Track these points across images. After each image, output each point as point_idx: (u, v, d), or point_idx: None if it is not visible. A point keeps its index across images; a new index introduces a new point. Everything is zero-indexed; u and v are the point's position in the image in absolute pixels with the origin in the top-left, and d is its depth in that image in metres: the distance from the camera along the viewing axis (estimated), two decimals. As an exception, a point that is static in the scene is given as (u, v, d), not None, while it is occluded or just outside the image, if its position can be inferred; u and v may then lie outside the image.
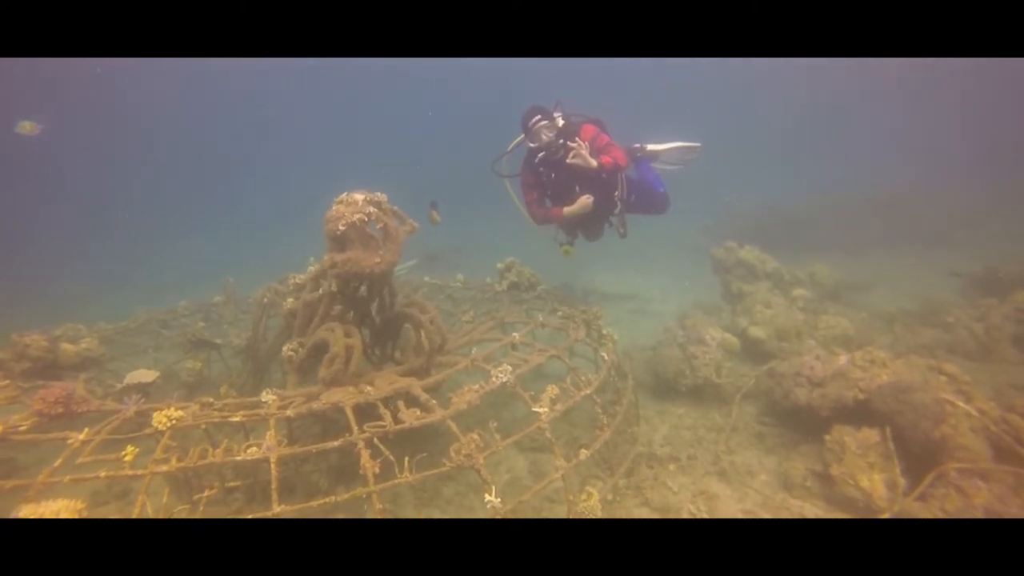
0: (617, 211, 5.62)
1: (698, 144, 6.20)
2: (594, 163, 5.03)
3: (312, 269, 4.49)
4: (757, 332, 6.32)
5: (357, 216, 3.62)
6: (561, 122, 5.25)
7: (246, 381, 5.65)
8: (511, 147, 5.57)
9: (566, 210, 5.32)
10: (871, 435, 3.67)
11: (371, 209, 3.71)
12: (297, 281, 4.49)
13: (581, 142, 5.03)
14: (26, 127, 8.30)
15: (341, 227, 3.61)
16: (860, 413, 4.06)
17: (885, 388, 3.83)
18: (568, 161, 5.02)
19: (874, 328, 6.45)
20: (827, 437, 3.96)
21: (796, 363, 4.88)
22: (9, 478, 3.15)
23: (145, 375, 4.26)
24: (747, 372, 6.11)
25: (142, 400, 3.49)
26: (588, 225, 5.78)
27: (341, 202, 3.69)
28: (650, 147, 6.19)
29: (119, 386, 4.20)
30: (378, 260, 3.76)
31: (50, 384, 3.58)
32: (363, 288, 4.27)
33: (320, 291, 4.25)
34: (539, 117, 5.17)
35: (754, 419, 5.30)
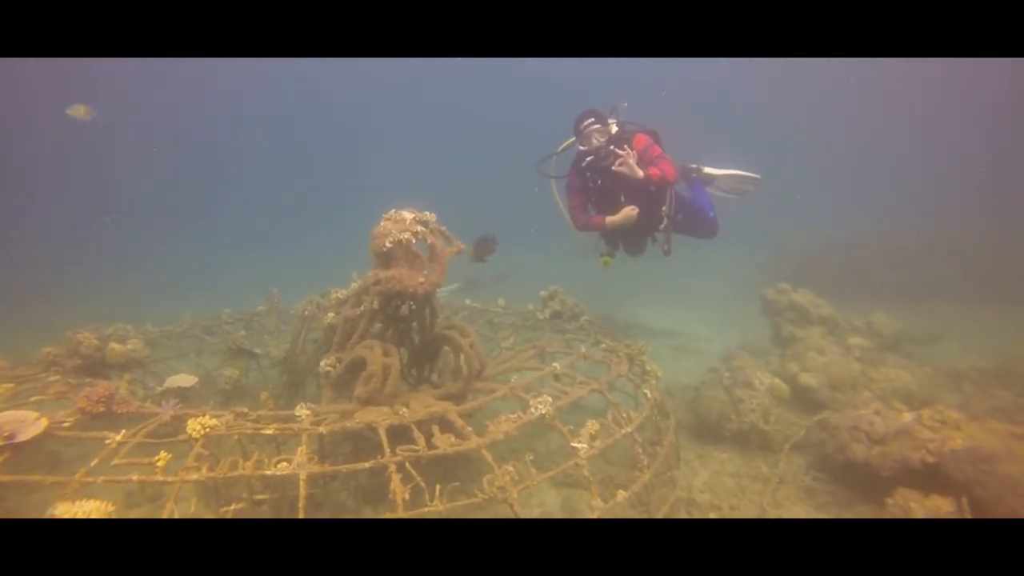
0: (662, 227, 5.37)
1: (758, 176, 5.97)
2: (640, 173, 4.84)
3: (355, 284, 4.49)
4: (808, 380, 5.99)
5: (404, 234, 3.60)
6: (615, 128, 5.10)
7: (282, 393, 5.67)
8: (561, 148, 5.43)
9: (608, 219, 5.14)
10: (942, 504, 3.35)
11: (419, 228, 3.68)
12: (339, 296, 4.49)
13: (630, 150, 4.86)
14: (80, 111, 8.41)
15: (387, 244, 3.58)
16: (927, 478, 3.72)
17: (961, 454, 3.50)
18: (614, 168, 4.87)
19: (939, 385, 6.02)
20: (888, 500, 3.64)
21: (853, 416, 4.57)
22: (52, 472, 3.20)
23: (184, 380, 4.30)
24: (796, 421, 5.78)
25: (179, 405, 3.50)
26: (630, 238, 5.57)
27: (389, 219, 3.67)
28: (707, 170, 5.99)
29: (159, 389, 4.24)
30: (422, 280, 3.70)
31: (95, 382, 3.63)
32: (405, 307, 4.22)
33: (361, 307, 4.22)
34: (592, 120, 5.05)
35: (803, 472, 4.97)
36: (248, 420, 3.44)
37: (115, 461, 2.80)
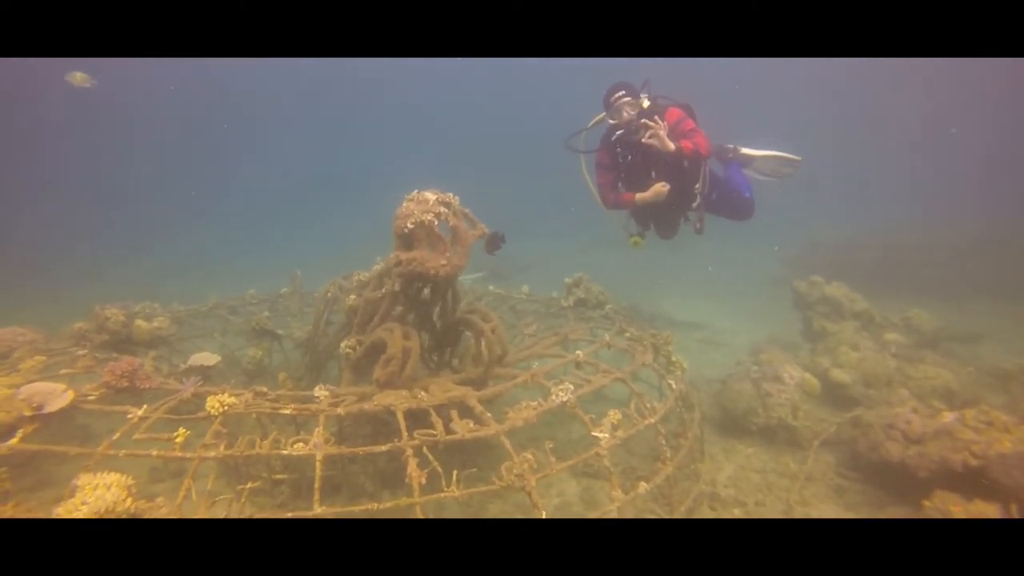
0: (695, 205, 5.15)
1: (798, 158, 5.69)
2: (671, 146, 4.63)
3: (377, 267, 4.45)
4: (841, 375, 5.78)
5: (427, 215, 3.53)
6: (647, 103, 4.88)
7: (304, 374, 5.69)
8: (591, 124, 5.23)
9: (638, 196, 4.96)
10: (987, 509, 3.17)
11: (441, 209, 3.61)
12: (361, 278, 4.46)
13: (661, 122, 4.66)
14: (77, 77, 8.32)
15: (409, 225, 3.52)
16: (969, 481, 3.52)
17: (1011, 458, 3.31)
18: (644, 140, 4.65)
19: (983, 385, 5.73)
20: (926, 503, 3.47)
21: (888, 414, 4.38)
22: (83, 445, 3.24)
23: (208, 359, 4.33)
24: (826, 417, 5.58)
25: (200, 383, 3.51)
26: (662, 217, 5.37)
27: (411, 200, 3.61)
28: (744, 150, 5.74)
29: (183, 366, 4.28)
30: (444, 263, 3.64)
31: (120, 357, 3.67)
32: (426, 290, 4.17)
33: (383, 290, 4.19)
34: (622, 92, 4.84)
35: (833, 470, 4.80)
36: (267, 400, 3.43)
37: (136, 436, 2.82)
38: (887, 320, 6.74)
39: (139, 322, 4.45)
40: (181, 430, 2.86)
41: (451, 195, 3.80)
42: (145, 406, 3.04)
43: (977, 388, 5.55)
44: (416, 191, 3.67)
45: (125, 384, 3.18)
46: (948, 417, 3.93)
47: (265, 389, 3.50)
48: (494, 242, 4.19)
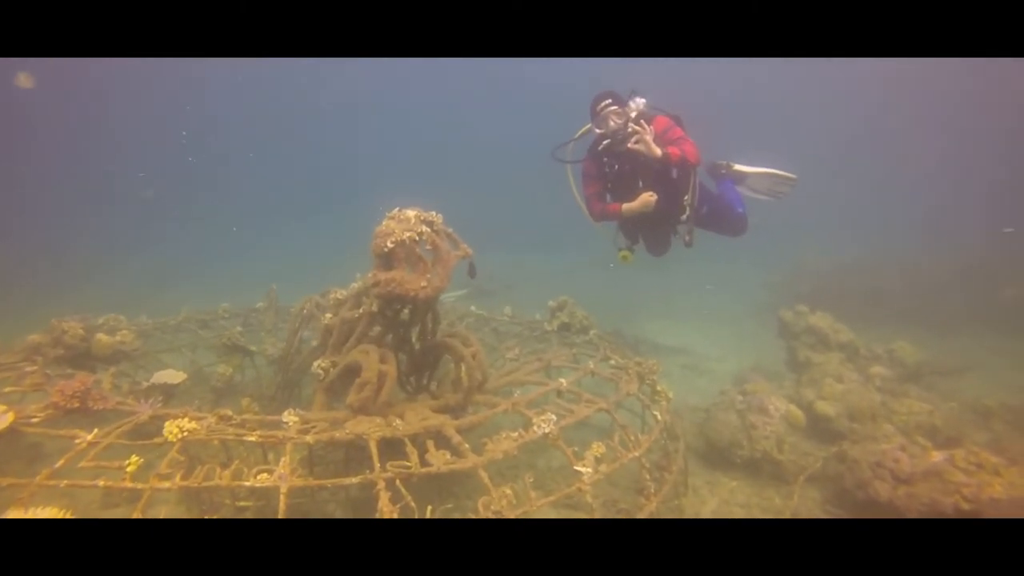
0: (684, 218, 5.01)
1: (794, 176, 5.59)
2: (658, 151, 4.52)
3: (355, 285, 4.28)
4: (825, 408, 5.69)
5: (407, 234, 3.39)
6: (634, 112, 4.76)
7: (276, 393, 5.47)
8: (578, 134, 5.12)
9: (625, 206, 4.83)
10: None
11: (423, 228, 3.47)
12: (338, 296, 4.28)
13: (647, 127, 4.55)
14: (21, 79, 8.13)
15: (389, 244, 3.37)
16: (959, 524, 3.43)
17: (1003, 504, 3.22)
18: (629, 146, 4.55)
19: (966, 421, 5.69)
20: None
21: (875, 451, 4.29)
22: (31, 466, 3.00)
23: (172, 376, 4.10)
24: (811, 451, 5.48)
25: (161, 403, 3.30)
26: (651, 230, 5.24)
27: (392, 217, 3.47)
28: (737, 167, 5.64)
29: (146, 384, 4.04)
30: (424, 284, 3.49)
31: (74, 374, 3.44)
32: (405, 311, 4.01)
33: (361, 310, 4.02)
34: (609, 101, 4.72)
35: (819, 506, 4.68)
36: (231, 425, 3.22)
37: (82, 464, 2.59)
38: (872, 352, 6.71)
39: (100, 336, 4.21)
40: (134, 457, 2.65)
41: (434, 213, 3.67)
42: (96, 430, 2.82)
43: (960, 425, 5.50)
44: (397, 209, 3.54)
45: (76, 405, 2.96)
46: (937, 457, 3.85)
47: (230, 413, 3.29)
48: (469, 271, 4.02)
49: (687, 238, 5.08)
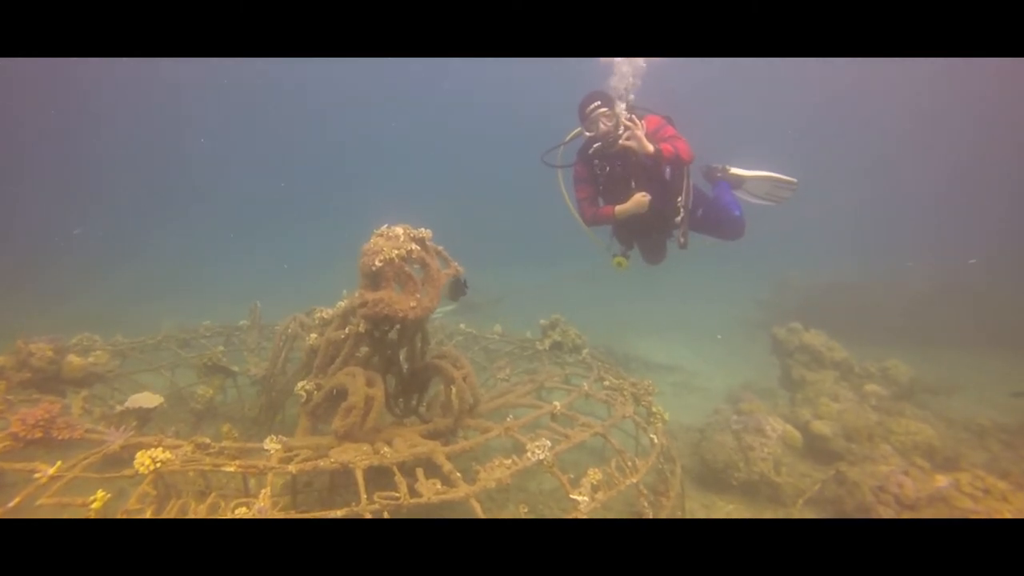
0: (679, 219, 4.88)
1: (794, 180, 5.48)
2: (650, 147, 4.42)
3: (342, 304, 4.12)
4: (822, 428, 5.60)
5: (396, 252, 3.25)
6: (623, 107, 4.66)
7: (259, 415, 5.27)
8: (568, 138, 5.01)
9: (617, 208, 4.71)
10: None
11: (413, 246, 3.33)
12: (324, 315, 4.12)
13: (639, 123, 4.45)
14: None
15: (377, 263, 3.23)
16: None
17: (1018, 533, 3.11)
18: (621, 142, 4.46)
19: (962, 441, 5.63)
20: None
21: (878, 475, 4.19)
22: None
23: (148, 400, 3.89)
24: (808, 472, 5.38)
25: (134, 430, 3.10)
26: (646, 235, 5.12)
27: (380, 235, 3.33)
28: (734, 170, 5.53)
29: (119, 408, 3.83)
30: (414, 304, 3.34)
31: (41, 399, 3.24)
32: (393, 332, 3.85)
33: (347, 330, 3.85)
34: (598, 103, 4.62)
35: (818, 531, 4.56)
36: (208, 454, 3.04)
37: (42, 500, 2.40)
38: (865, 370, 6.65)
39: (71, 357, 4.00)
40: (100, 493, 2.46)
41: (424, 230, 3.54)
42: (60, 462, 2.62)
43: (957, 445, 5.43)
44: (386, 226, 3.40)
45: (39, 435, 2.76)
46: (942, 482, 3.75)
47: (207, 440, 3.11)
48: (457, 288, 3.87)
49: (682, 240, 4.95)
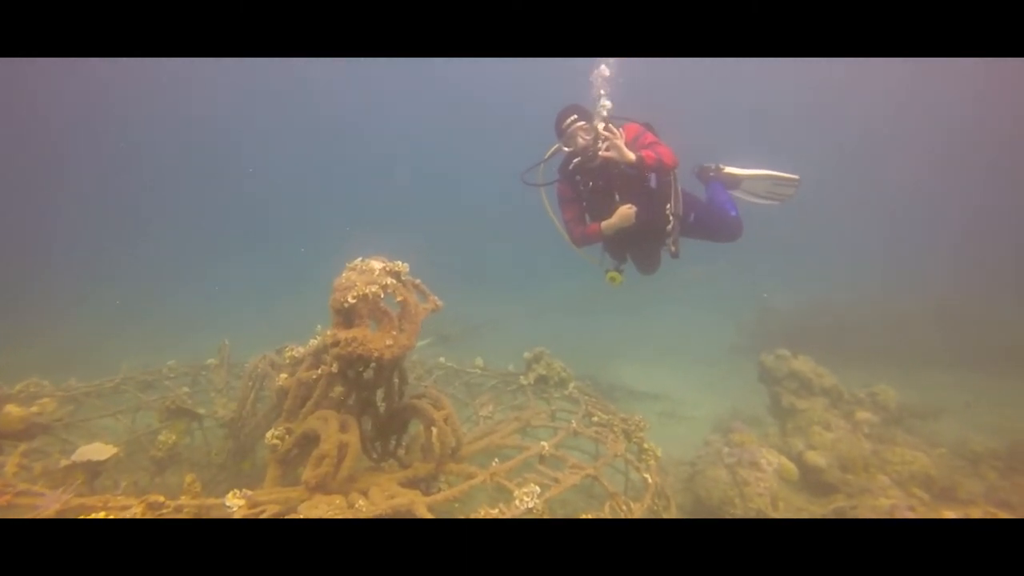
0: (670, 228, 4.69)
1: (796, 177, 5.31)
2: (631, 156, 4.26)
3: (314, 342, 3.86)
4: (816, 459, 5.43)
5: (371, 288, 3.03)
6: (601, 125, 4.49)
7: (226, 460, 4.93)
8: (548, 155, 4.83)
9: (604, 224, 4.55)
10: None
11: (388, 280, 3.12)
12: (294, 354, 3.85)
13: (618, 131, 4.31)
14: None
15: (350, 299, 3.01)
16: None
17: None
18: (601, 153, 4.31)
19: (957, 469, 5.50)
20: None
21: (879, 508, 4.01)
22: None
23: (98, 451, 3.54)
24: (804, 507, 5.18)
25: (77, 490, 2.79)
26: (638, 247, 4.94)
27: (353, 268, 3.12)
28: (729, 169, 5.37)
29: (65, 462, 3.48)
30: (390, 343, 3.12)
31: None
32: (369, 371, 3.61)
33: (319, 370, 3.60)
34: (575, 117, 4.48)
35: (819, 570, 4.35)
36: (164, 512, 2.74)
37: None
38: (855, 397, 6.54)
39: (9, 408, 3.64)
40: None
41: (400, 263, 3.33)
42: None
43: (952, 473, 5.29)
44: (360, 259, 3.19)
45: (-37, 500, 2.44)
46: (950, 517, 3.59)
47: (161, 499, 2.80)
48: None
49: (673, 248, 4.78)
